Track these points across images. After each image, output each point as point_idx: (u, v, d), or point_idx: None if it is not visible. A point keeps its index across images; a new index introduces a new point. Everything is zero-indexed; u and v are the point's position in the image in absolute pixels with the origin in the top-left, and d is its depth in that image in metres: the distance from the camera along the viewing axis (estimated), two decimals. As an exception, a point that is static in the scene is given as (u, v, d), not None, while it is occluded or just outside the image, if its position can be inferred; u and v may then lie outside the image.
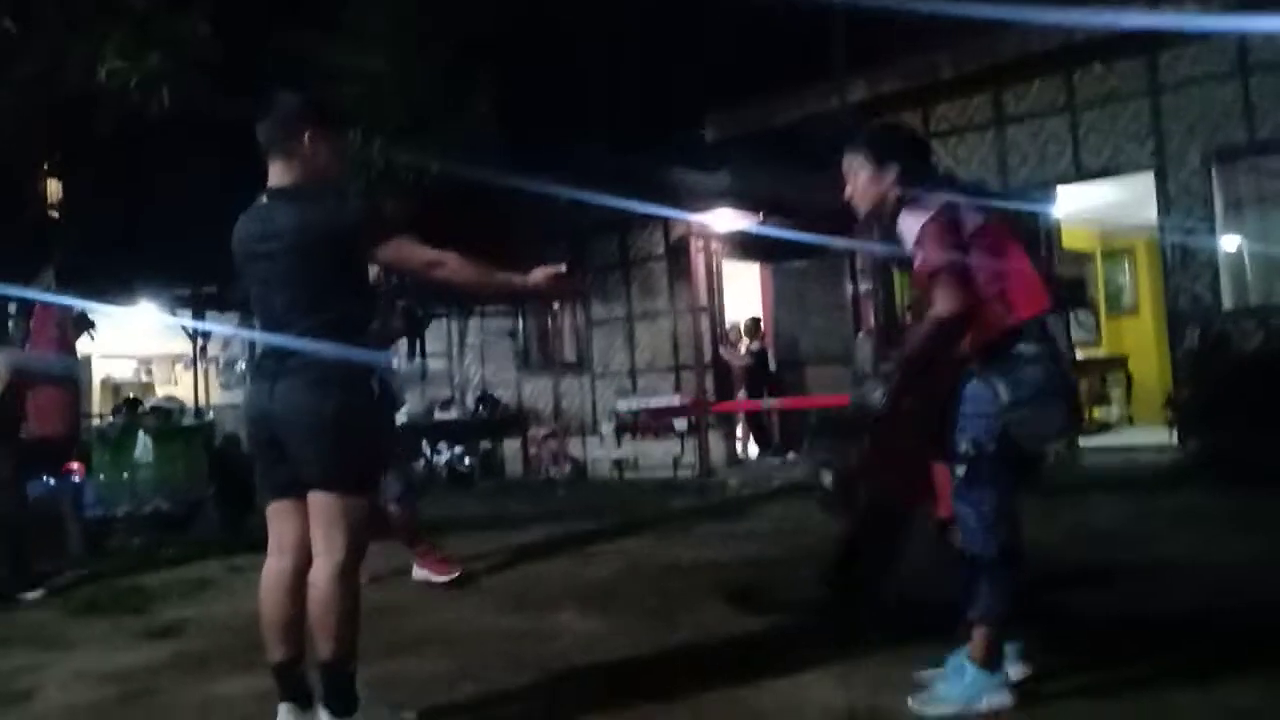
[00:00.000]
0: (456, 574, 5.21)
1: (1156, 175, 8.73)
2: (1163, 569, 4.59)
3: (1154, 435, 8.90)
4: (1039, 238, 9.33)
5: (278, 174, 2.99)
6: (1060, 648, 3.40)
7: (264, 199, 2.99)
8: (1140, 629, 3.64)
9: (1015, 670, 2.97)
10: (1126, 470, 7.74)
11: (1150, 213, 9.06)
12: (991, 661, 2.86)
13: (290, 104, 3.01)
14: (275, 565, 2.94)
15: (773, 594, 4.59)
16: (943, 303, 2.82)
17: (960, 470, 2.92)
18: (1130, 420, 11.49)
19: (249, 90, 3.27)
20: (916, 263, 2.91)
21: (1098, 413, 11.02)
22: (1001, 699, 2.83)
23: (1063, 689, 2.98)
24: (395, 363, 5.46)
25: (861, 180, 3.10)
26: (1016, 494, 2.98)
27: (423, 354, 12.39)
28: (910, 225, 2.93)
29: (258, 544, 3.03)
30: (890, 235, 3.02)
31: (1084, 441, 9.55)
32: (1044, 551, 5.22)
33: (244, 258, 2.99)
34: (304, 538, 2.90)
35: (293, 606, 2.88)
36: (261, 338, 2.97)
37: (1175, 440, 7.97)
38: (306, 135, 2.95)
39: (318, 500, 2.85)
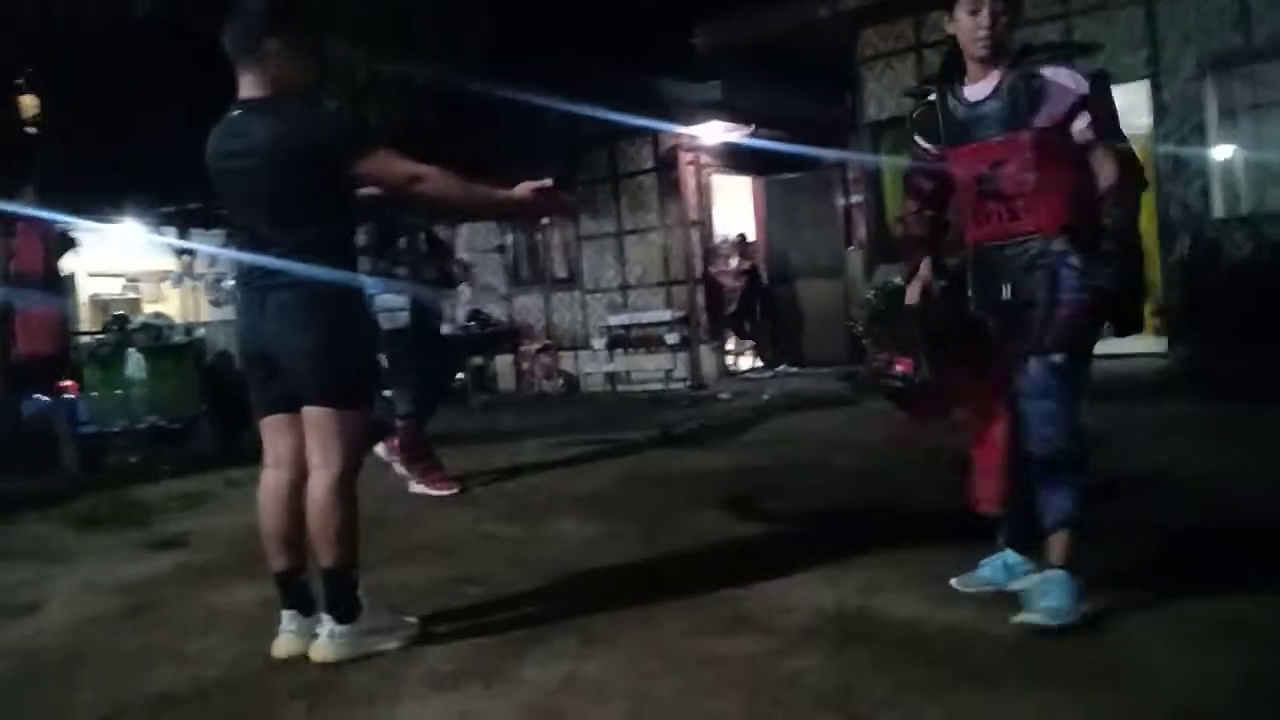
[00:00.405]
0: (455, 490, 5.27)
1: (1150, 84, 8.62)
2: (1150, 477, 4.67)
3: (1144, 343, 8.96)
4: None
5: (248, 84, 2.92)
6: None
7: (235, 111, 2.93)
8: (1124, 533, 3.73)
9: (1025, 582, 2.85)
10: (1116, 378, 7.80)
11: (1144, 121, 8.97)
12: (1074, 565, 2.76)
13: (256, 9, 2.92)
14: (272, 478, 2.99)
15: (763, 501, 4.68)
16: (1128, 165, 2.71)
17: (1057, 359, 2.74)
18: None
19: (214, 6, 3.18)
20: (1057, 119, 2.72)
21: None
22: (1082, 605, 2.72)
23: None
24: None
25: (1004, 20, 2.81)
26: None
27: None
28: (1066, 82, 2.74)
29: (253, 458, 3.08)
30: (1011, 92, 2.79)
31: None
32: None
33: (218, 173, 2.95)
34: (299, 451, 2.94)
35: (291, 518, 2.94)
36: (246, 256, 2.96)
37: (1165, 348, 8.04)
38: (275, 42, 2.88)
39: (313, 414, 2.88)
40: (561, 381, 12.21)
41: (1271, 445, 5.17)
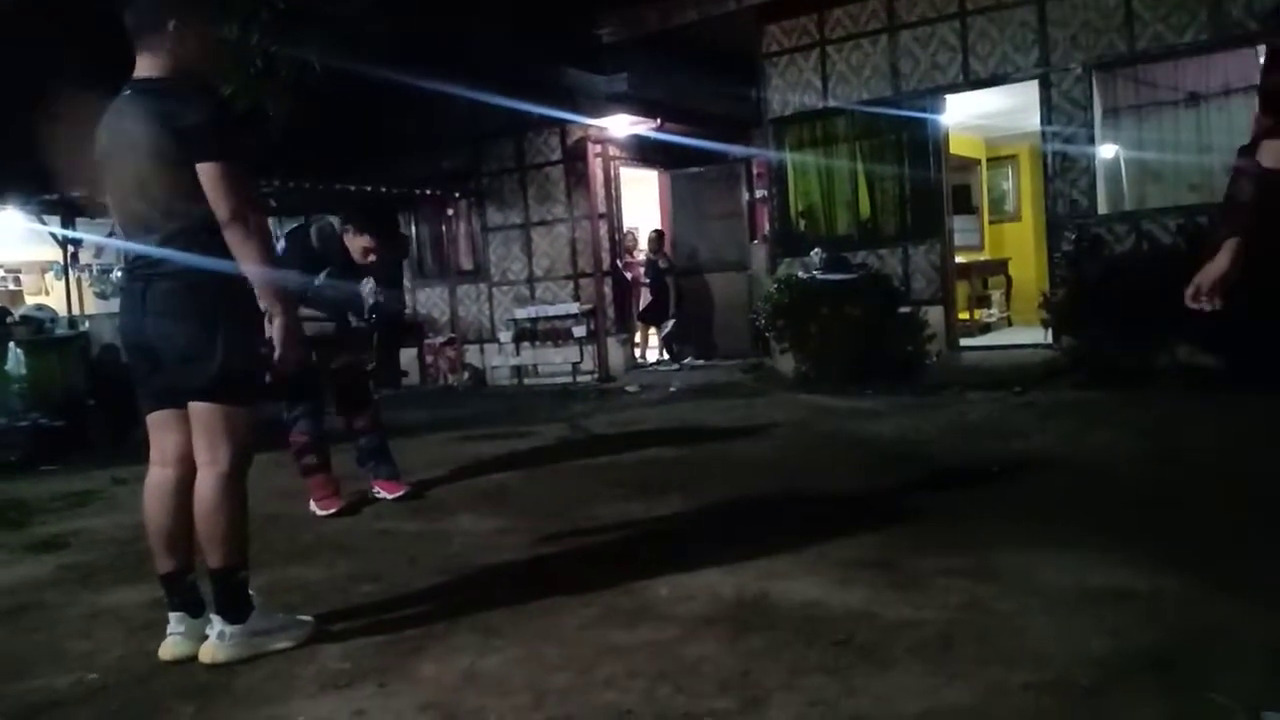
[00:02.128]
0: (335, 510, 4.77)
1: (1040, 83, 8.94)
2: (1032, 459, 4.86)
3: (1031, 335, 9.31)
4: (927, 144, 9.52)
5: (143, 65, 2.82)
6: (934, 535, 3.61)
7: (125, 91, 2.83)
8: (1004, 513, 3.87)
9: None
10: (1004, 368, 8.10)
11: (1033, 120, 9.30)
12: None
13: None
14: (158, 476, 2.89)
15: (667, 492, 4.70)
16: None
17: None
18: (1009, 321, 12.01)
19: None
20: None
21: (979, 314, 11.48)
22: None
23: (933, 570, 3.16)
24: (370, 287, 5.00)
25: None
26: None
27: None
28: None
29: (142, 456, 2.97)
30: None
31: (965, 341, 9.96)
32: (919, 444, 5.50)
33: (101, 156, 2.85)
34: (186, 448, 2.85)
35: (177, 516, 2.85)
36: (127, 245, 2.86)
37: (1050, 339, 8.35)
38: (172, 24, 2.78)
39: (199, 410, 2.80)
40: (467, 375, 12.07)
41: (1144, 426, 5.45)
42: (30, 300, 13.07)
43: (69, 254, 11.15)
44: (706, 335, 12.06)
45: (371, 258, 4.89)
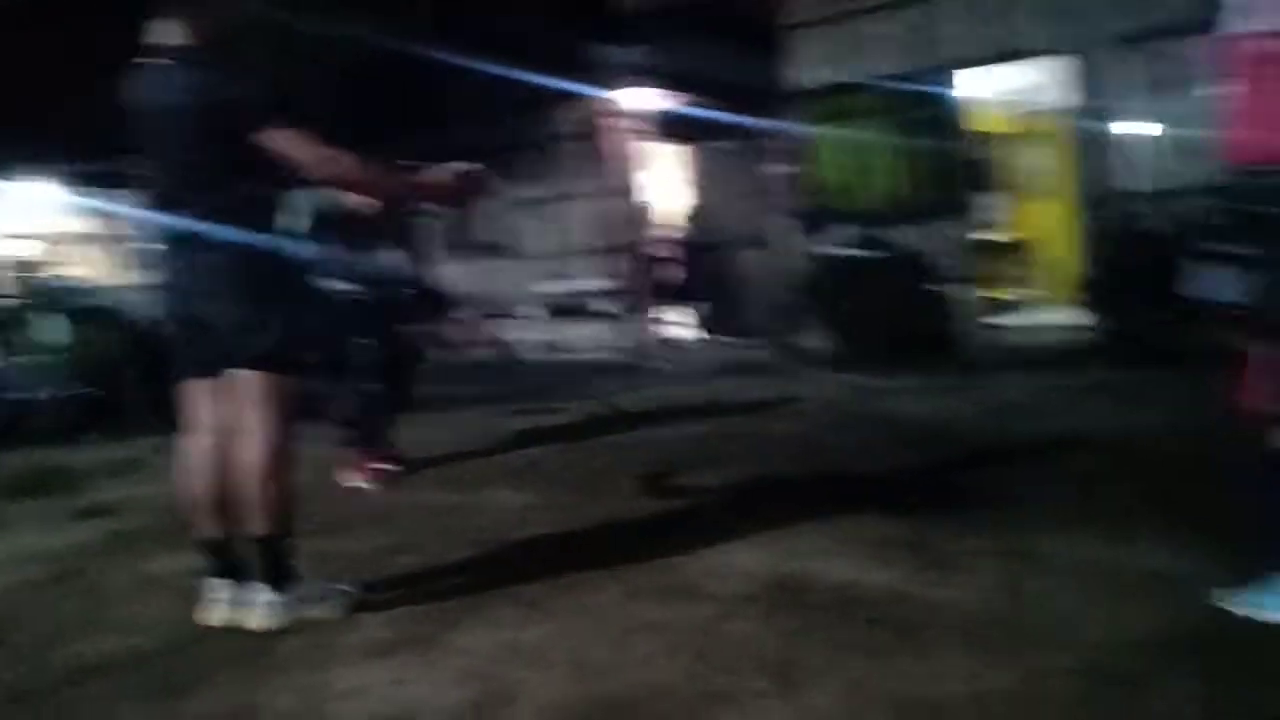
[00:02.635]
0: (362, 482, 4.79)
1: (1075, 57, 8.79)
2: (1068, 439, 4.83)
3: (1066, 314, 9.22)
4: (959, 120, 9.41)
5: (175, 32, 2.82)
6: (969, 516, 3.61)
7: (160, 60, 2.82)
8: (1040, 494, 3.86)
9: None
10: (1040, 348, 8.03)
11: (1067, 95, 9.16)
12: None
13: None
14: (196, 443, 2.93)
15: (700, 469, 4.72)
16: None
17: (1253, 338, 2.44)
18: (1044, 299, 11.88)
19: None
20: None
21: (1013, 292, 11.36)
22: None
23: (968, 551, 3.16)
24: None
25: None
26: None
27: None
28: None
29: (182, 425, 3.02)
30: None
31: (1000, 320, 9.88)
32: (954, 425, 5.48)
33: (138, 125, 2.86)
34: (223, 416, 2.89)
35: (215, 484, 2.89)
36: (169, 216, 2.87)
37: (1086, 319, 8.27)
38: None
39: (247, 379, 2.83)
40: (497, 350, 12.13)
41: (1183, 407, 5.38)
42: (69, 271, 13.24)
43: (108, 225, 11.29)
44: (736, 311, 12.02)
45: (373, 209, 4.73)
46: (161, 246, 2.95)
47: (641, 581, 3.10)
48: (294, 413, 2.95)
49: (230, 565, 2.94)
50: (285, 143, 2.76)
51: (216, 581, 2.94)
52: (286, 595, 2.87)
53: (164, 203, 2.89)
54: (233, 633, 2.85)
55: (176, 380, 2.99)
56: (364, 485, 4.78)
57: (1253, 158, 2.34)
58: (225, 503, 2.90)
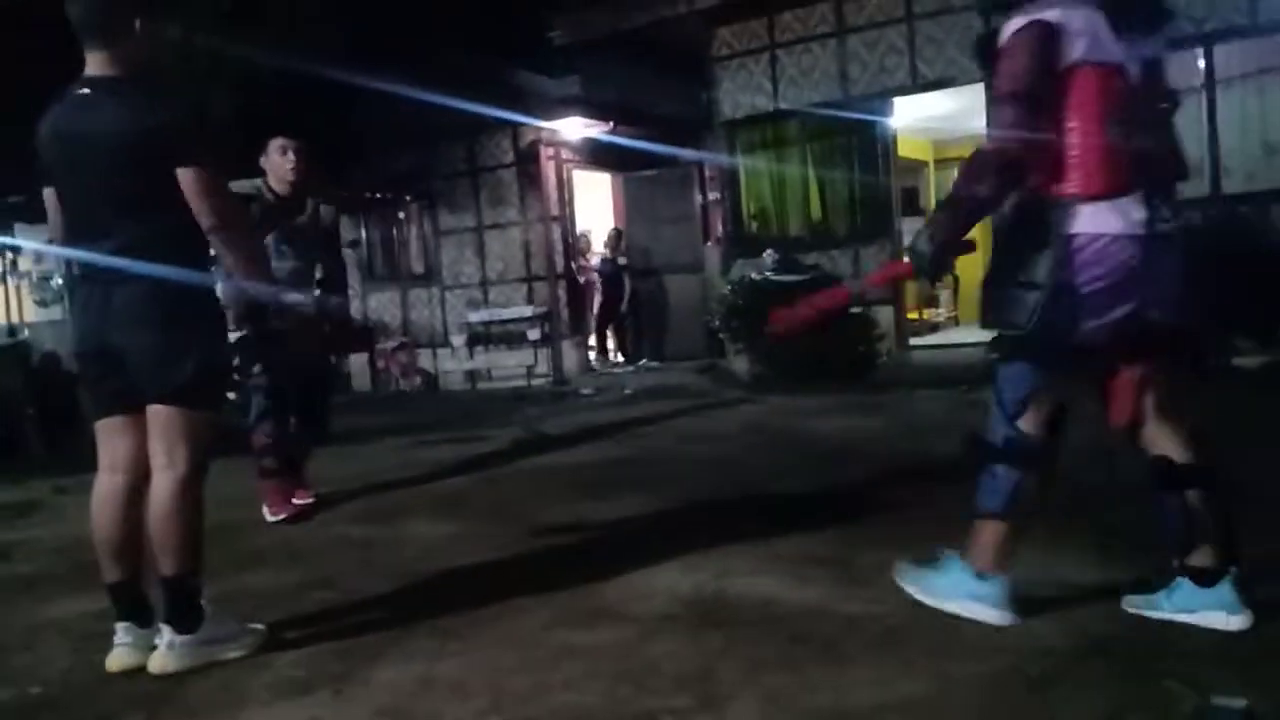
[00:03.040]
0: (281, 516, 4.63)
1: (986, 86, 9.07)
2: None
3: (979, 333, 9.45)
4: (876, 147, 9.64)
5: (98, 63, 2.74)
6: (887, 531, 3.65)
7: (81, 89, 2.74)
8: (954, 509, 3.92)
9: (1237, 619, 2.43)
10: (953, 366, 8.21)
11: (979, 122, 9.44)
12: (988, 565, 2.60)
13: None
14: (107, 482, 2.83)
15: (622, 493, 4.70)
16: (998, 134, 2.44)
17: (994, 348, 2.63)
18: (958, 320, 12.19)
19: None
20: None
21: (928, 314, 11.64)
22: (981, 611, 2.58)
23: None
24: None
25: None
26: (1070, 388, 2.69)
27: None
28: (1007, 29, 2.46)
29: (83, 465, 2.90)
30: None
31: (915, 340, 10.09)
32: (867, 441, 5.56)
33: (56, 155, 2.77)
34: (137, 454, 2.80)
35: (126, 524, 2.80)
36: (84, 249, 2.78)
37: (998, 339, 8.48)
38: (138, 22, 2.73)
39: (159, 413, 2.75)
40: (419, 380, 11.98)
41: (1083, 423, 5.53)
42: (-33, 308, 12.73)
43: (8, 261, 10.90)
44: (661, 337, 12.09)
45: (292, 176, 4.61)
46: (75, 279, 2.87)
47: (563, 607, 3.06)
48: (209, 449, 2.86)
49: (135, 607, 2.83)
50: (196, 184, 2.69)
51: (121, 625, 2.82)
52: (193, 636, 2.76)
53: (80, 235, 2.80)
54: (138, 677, 2.73)
55: (91, 417, 2.89)
56: (280, 519, 4.63)
57: (1041, 191, 2.48)
58: (131, 543, 2.80)
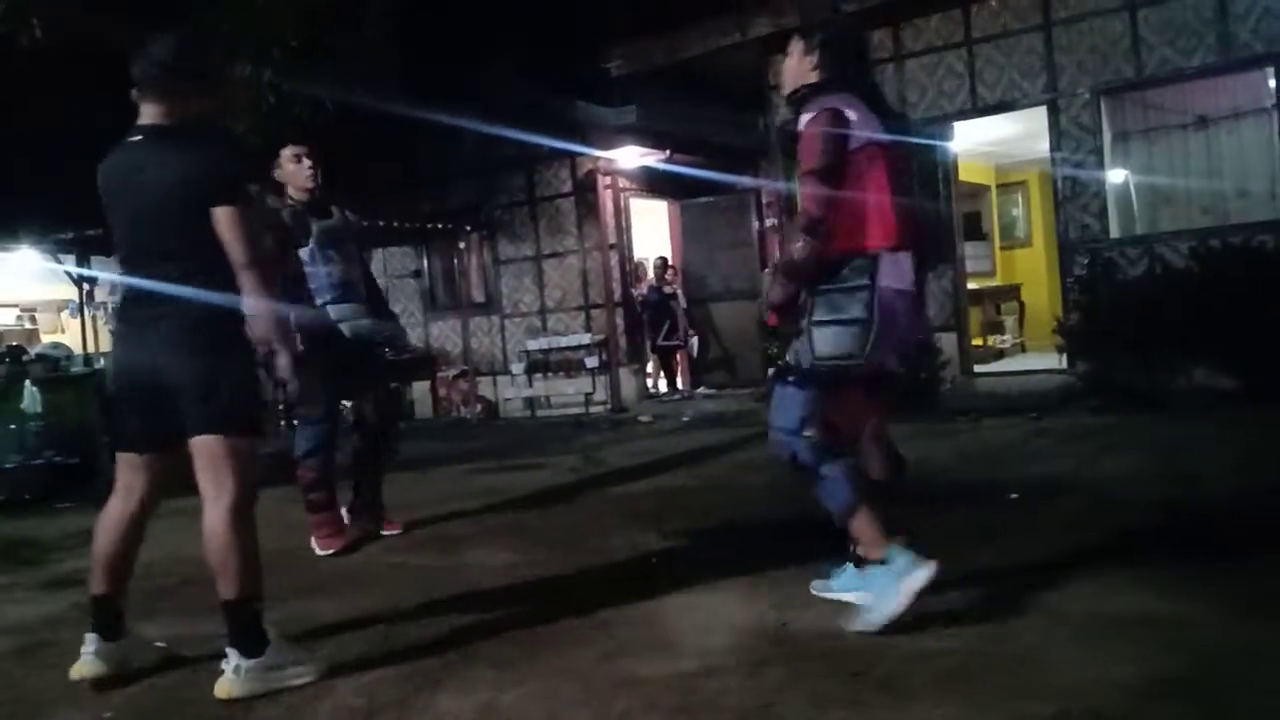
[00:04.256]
0: (335, 548, 4.61)
1: (1048, 109, 8.96)
2: (1050, 484, 4.81)
3: (1046, 360, 9.27)
4: (937, 172, 9.54)
5: (150, 113, 2.93)
6: (953, 563, 3.57)
7: (135, 137, 2.93)
8: (1025, 540, 3.83)
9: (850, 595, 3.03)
10: (1019, 394, 8.06)
11: (1042, 146, 9.32)
12: (880, 550, 2.89)
13: (167, 47, 2.93)
14: (117, 507, 2.98)
15: (681, 522, 4.67)
16: (806, 203, 2.87)
17: (776, 379, 3.03)
18: (1023, 347, 11.96)
19: (128, 14, 3.14)
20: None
21: (993, 341, 11.44)
22: (916, 580, 2.80)
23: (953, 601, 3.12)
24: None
25: (791, 61, 3.12)
26: (849, 419, 3.04)
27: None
28: (804, 119, 2.94)
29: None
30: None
31: (979, 367, 9.92)
32: (937, 470, 5.46)
33: (110, 197, 2.95)
34: (149, 489, 2.96)
35: (122, 545, 2.96)
36: (134, 282, 2.94)
37: (1065, 364, 8.31)
38: (182, 80, 2.91)
39: (202, 444, 2.84)
40: (480, 408, 12.08)
41: (1163, 451, 5.39)
42: (46, 339, 13.16)
43: (84, 292, 11.26)
44: (719, 365, 12.04)
45: (310, 182, 4.64)
46: (118, 313, 2.99)
47: (622, 638, 3.04)
48: (254, 474, 2.94)
49: (107, 622, 2.96)
50: (228, 224, 2.81)
51: (90, 635, 2.94)
52: (259, 661, 2.80)
53: (132, 268, 2.95)
54: (205, 702, 2.76)
55: (117, 447, 3.04)
56: (329, 553, 4.60)
57: (841, 247, 2.90)
58: (121, 564, 2.96)
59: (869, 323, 2.84)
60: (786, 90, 3.15)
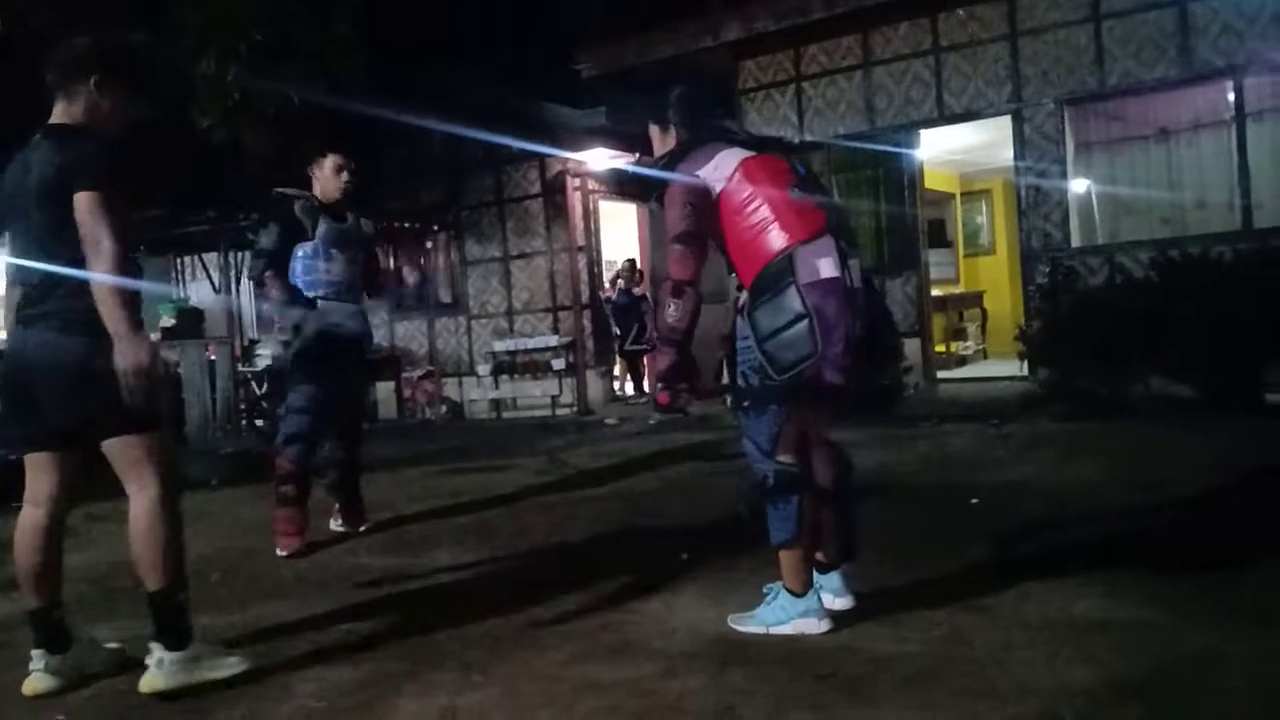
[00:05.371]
0: (289, 551, 4.57)
1: (1013, 118, 9.07)
2: (1011, 490, 4.87)
3: (1008, 367, 9.38)
4: (903, 179, 9.62)
5: (58, 113, 2.91)
6: (915, 567, 3.60)
7: (36, 136, 2.90)
8: (985, 545, 3.87)
9: (841, 601, 3.09)
10: (981, 400, 8.14)
11: (1007, 155, 9.43)
12: (800, 586, 2.94)
13: (77, 49, 2.91)
14: (30, 515, 2.92)
15: (645, 525, 4.68)
16: (673, 269, 2.98)
17: (734, 402, 3.06)
18: (985, 354, 12.09)
19: (99, 11, 3.10)
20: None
21: (955, 347, 11.55)
22: (808, 625, 2.90)
23: (900, 604, 3.14)
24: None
25: (655, 144, 3.29)
26: (813, 423, 3.03)
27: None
28: (667, 191, 3.06)
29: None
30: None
31: (942, 373, 10.01)
32: (900, 475, 5.50)
33: (5, 198, 2.92)
34: (57, 490, 2.91)
35: (44, 554, 2.90)
36: (15, 284, 2.91)
37: (1026, 371, 8.41)
38: (92, 81, 2.87)
39: (114, 446, 2.81)
40: (445, 409, 12.01)
41: (1122, 457, 5.47)
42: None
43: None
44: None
45: (346, 177, 4.80)
46: (11, 319, 2.95)
47: (586, 641, 3.03)
48: (173, 461, 2.93)
49: (51, 634, 2.91)
50: (84, 208, 2.69)
51: (36, 652, 2.90)
52: (183, 654, 2.78)
53: (16, 271, 2.91)
54: (159, 705, 2.73)
55: (17, 450, 2.99)
56: (288, 554, 4.55)
57: (759, 264, 2.96)
58: (49, 572, 2.90)
59: (809, 315, 2.85)
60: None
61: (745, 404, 3.01)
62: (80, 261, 2.74)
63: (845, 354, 2.90)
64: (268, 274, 4.72)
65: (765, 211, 2.93)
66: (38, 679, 2.87)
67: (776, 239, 2.92)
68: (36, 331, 2.81)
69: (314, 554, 4.58)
